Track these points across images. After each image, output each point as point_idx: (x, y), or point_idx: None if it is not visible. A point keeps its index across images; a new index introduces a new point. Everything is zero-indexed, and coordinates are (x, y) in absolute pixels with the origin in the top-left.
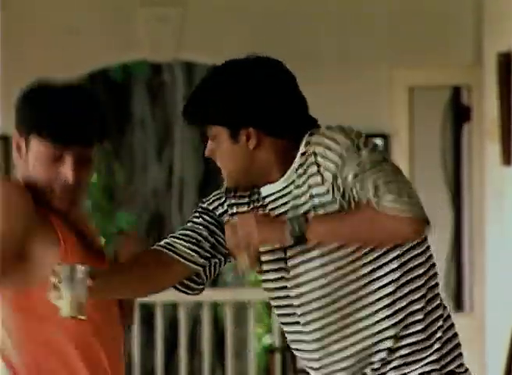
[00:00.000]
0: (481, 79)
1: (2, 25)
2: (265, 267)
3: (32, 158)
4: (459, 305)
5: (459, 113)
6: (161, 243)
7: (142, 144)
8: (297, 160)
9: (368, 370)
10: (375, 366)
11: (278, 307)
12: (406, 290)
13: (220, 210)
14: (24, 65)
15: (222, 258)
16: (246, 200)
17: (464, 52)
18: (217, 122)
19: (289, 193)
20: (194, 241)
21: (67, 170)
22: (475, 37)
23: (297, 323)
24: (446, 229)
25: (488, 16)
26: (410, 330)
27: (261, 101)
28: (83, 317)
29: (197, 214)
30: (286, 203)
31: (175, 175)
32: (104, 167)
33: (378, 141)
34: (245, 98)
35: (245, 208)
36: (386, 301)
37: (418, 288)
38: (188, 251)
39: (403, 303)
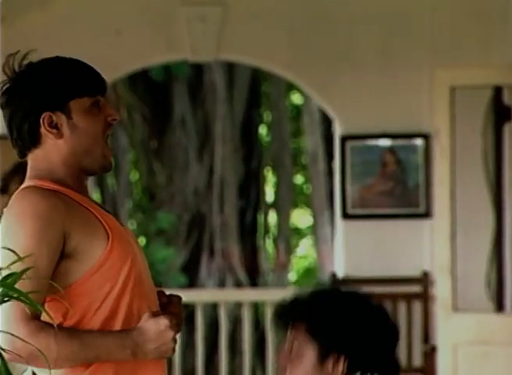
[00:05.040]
0: None
1: (46, 26)
2: None
3: (80, 122)
4: (500, 306)
5: (500, 113)
6: None
7: (183, 144)
8: None
9: None
10: None
11: None
12: None
13: None
14: None
15: None
16: None
17: (505, 52)
18: (320, 341)
19: None
20: None
21: (111, 110)
22: None
23: None
24: (488, 229)
25: None
26: None
27: (364, 339)
28: None
29: None
30: None
31: (215, 175)
32: (145, 167)
33: (419, 142)
34: (351, 328)
35: None
36: None
37: None
38: None
39: None
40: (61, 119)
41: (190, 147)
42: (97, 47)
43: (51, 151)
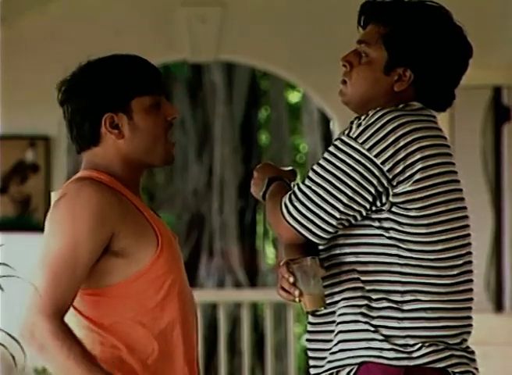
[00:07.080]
0: None
1: (45, 27)
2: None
3: (140, 122)
4: (499, 306)
5: (500, 113)
6: None
7: (182, 145)
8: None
9: None
10: None
11: None
12: None
13: None
14: (67, 65)
15: None
16: None
17: (504, 52)
18: (391, 45)
19: None
20: None
21: (171, 109)
22: None
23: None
24: (487, 229)
25: None
26: None
27: (443, 59)
28: (323, 308)
29: None
30: None
31: (215, 176)
32: None
33: None
34: (433, 45)
35: None
36: None
37: None
38: None
39: None
40: (122, 119)
41: (189, 147)
42: (97, 47)
43: (111, 150)
